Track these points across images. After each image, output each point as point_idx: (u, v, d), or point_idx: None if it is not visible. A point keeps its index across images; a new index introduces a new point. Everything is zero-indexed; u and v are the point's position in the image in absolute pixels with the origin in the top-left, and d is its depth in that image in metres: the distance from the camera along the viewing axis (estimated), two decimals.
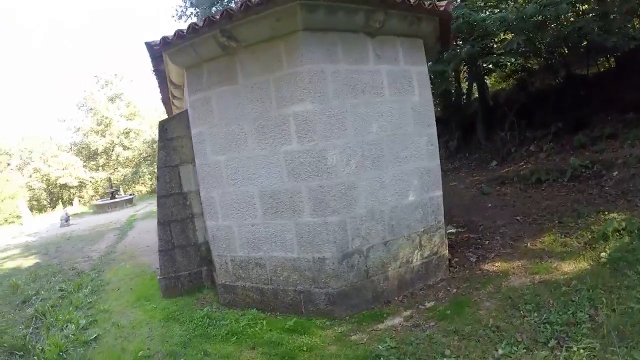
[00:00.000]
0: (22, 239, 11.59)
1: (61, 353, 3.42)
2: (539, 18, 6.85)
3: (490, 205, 6.79)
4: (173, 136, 4.51)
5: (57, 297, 4.94)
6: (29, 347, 3.56)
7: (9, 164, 23.70)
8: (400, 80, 3.82)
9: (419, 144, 3.92)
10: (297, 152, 3.44)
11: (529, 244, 4.46)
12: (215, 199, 3.96)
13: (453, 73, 10.61)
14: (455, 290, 3.73)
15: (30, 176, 23.00)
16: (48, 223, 14.95)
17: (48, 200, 23.86)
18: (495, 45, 9.16)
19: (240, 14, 3.28)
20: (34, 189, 22.91)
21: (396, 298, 3.75)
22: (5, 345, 3.61)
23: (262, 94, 3.54)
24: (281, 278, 3.70)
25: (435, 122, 4.12)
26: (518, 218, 5.57)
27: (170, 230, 4.39)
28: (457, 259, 4.45)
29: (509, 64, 9.71)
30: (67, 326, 3.95)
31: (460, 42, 8.44)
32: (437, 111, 16.38)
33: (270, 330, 3.41)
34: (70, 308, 4.43)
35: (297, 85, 3.37)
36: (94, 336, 3.73)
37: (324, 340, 3.15)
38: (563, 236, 4.37)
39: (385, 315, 3.47)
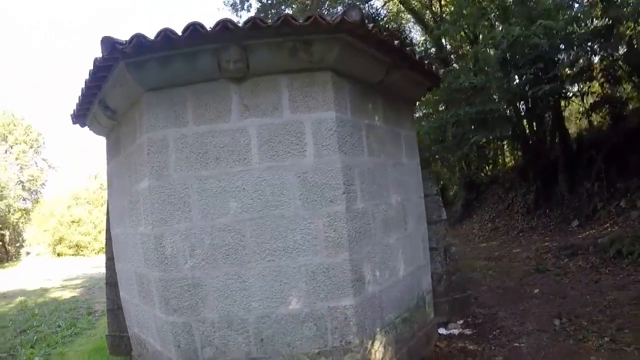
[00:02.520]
0: (99, 269, 11.96)
1: None
2: None
3: (537, 291, 4.91)
4: None
5: (49, 332, 5.61)
6: None
7: None
8: (280, 138, 2.70)
9: (310, 230, 2.69)
10: (146, 235, 2.91)
11: None
12: (119, 270, 3.89)
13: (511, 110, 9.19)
14: None
15: None
16: None
17: None
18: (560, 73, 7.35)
19: (105, 85, 3.03)
20: None
21: None
22: None
23: (128, 168, 3.20)
24: None
25: (352, 190, 2.76)
26: (556, 322, 3.83)
27: (116, 291, 4.60)
28: None
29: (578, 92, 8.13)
30: None
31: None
32: (517, 157, 12.59)
33: None
34: (43, 345, 5.04)
35: (141, 158, 2.84)
36: None
37: None
38: None
39: None
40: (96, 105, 3.33)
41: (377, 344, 2.95)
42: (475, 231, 11.82)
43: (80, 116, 3.72)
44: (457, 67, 9.83)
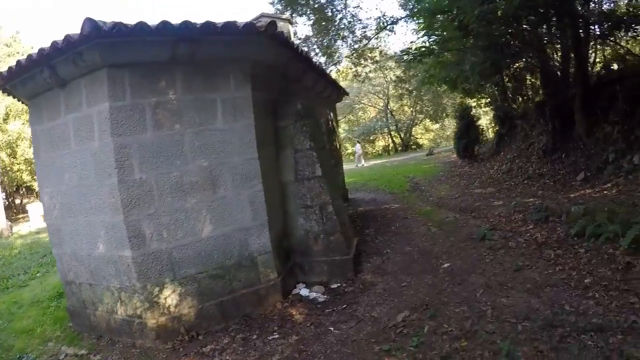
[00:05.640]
0: None
1: None
2: None
3: (446, 266, 4.29)
4: None
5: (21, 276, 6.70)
6: None
7: None
8: (83, 127, 3.59)
9: (101, 196, 3.55)
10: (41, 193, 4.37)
11: None
12: None
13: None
14: None
15: None
16: None
17: None
18: None
19: None
20: None
21: (102, 337, 3.90)
22: None
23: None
24: None
25: (127, 164, 3.42)
26: (399, 318, 3.39)
27: None
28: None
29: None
30: None
31: None
32: (540, 93, 10.42)
33: None
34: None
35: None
36: None
37: None
38: None
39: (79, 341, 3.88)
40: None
41: (167, 291, 3.63)
42: (491, 172, 10.03)
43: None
44: None
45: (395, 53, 14.25)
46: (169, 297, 3.65)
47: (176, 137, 3.63)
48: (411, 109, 31.58)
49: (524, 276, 3.72)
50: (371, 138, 34.48)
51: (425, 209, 7.11)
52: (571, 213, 4.65)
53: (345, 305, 3.82)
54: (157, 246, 3.59)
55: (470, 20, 5.75)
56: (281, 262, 4.23)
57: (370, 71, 19.88)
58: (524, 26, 7.06)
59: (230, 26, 3.46)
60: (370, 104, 33.93)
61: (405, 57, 10.41)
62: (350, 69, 17.35)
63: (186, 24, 3.32)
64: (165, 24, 3.26)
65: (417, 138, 33.98)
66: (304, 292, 4.26)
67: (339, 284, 4.29)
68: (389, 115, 31.80)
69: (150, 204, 3.55)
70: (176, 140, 3.63)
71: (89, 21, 3.07)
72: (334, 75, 16.26)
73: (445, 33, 7.77)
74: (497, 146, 12.25)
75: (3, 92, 4.26)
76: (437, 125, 32.81)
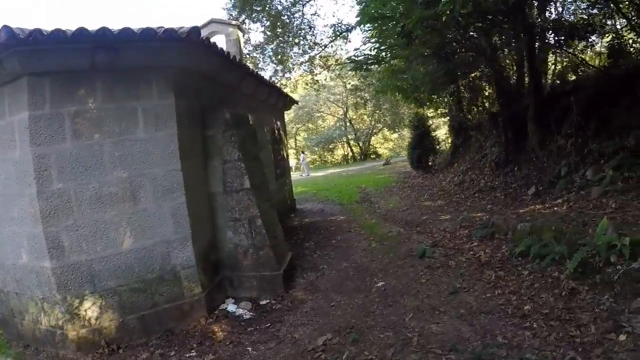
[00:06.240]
0: None
1: None
2: None
3: (380, 285, 4.13)
4: None
5: None
6: None
7: None
8: (6, 136, 3.57)
9: (23, 206, 3.52)
10: None
11: None
12: None
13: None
14: None
15: None
16: None
17: None
18: None
19: None
20: None
21: (29, 346, 3.84)
22: None
23: None
24: None
25: (46, 174, 3.40)
26: (319, 341, 3.24)
27: None
28: None
29: None
30: None
31: None
32: (495, 103, 10.19)
33: None
34: None
35: None
36: None
37: None
38: None
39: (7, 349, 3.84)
40: None
41: (87, 304, 3.58)
42: (444, 184, 9.90)
43: None
44: None
45: (345, 60, 14.14)
46: (89, 309, 3.60)
47: (95, 147, 3.58)
48: (370, 118, 31.83)
49: (459, 300, 3.54)
50: (330, 147, 34.87)
51: (370, 222, 7.00)
52: (517, 230, 4.46)
53: (269, 324, 3.72)
54: (76, 258, 3.54)
55: (413, 27, 5.54)
56: (207, 276, 4.13)
57: (325, 79, 19.89)
58: (472, 34, 6.88)
59: (149, 32, 3.40)
60: (329, 113, 34.28)
61: (352, 65, 10.21)
62: (303, 77, 17.29)
63: (103, 31, 3.28)
64: (81, 31, 3.23)
65: (376, 147, 34.18)
66: (231, 307, 4.15)
67: (267, 300, 4.18)
68: (347, 124, 32.17)
69: (69, 215, 3.51)
70: (95, 151, 3.58)
71: (5, 29, 3.04)
72: (286, 83, 16.24)
73: (389, 40, 7.59)
74: (451, 157, 12.16)
75: None
76: (396, 135, 32.98)
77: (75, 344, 3.52)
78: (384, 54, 8.62)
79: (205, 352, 3.40)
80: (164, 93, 3.78)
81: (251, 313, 3.98)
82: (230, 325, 3.78)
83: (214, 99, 4.83)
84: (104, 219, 3.62)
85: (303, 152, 26.05)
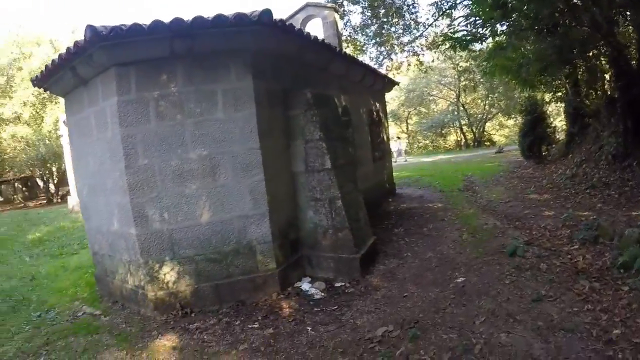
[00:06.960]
0: None
1: None
2: None
3: (460, 280, 3.88)
4: None
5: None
6: None
7: None
8: (100, 119, 4.05)
9: (114, 179, 3.99)
10: None
11: None
12: None
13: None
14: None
15: None
16: None
17: None
18: None
19: None
20: None
21: (117, 302, 4.39)
22: None
23: None
24: None
25: (133, 152, 3.79)
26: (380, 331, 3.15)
27: None
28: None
29: None
30: None
31: None
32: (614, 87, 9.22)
33: None
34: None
35: None
36: None
37: None
38: None
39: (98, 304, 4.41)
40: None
41: (166, 268, 3.98)
42: (555, 176, 8.95)
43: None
44: None
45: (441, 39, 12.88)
46: (168, 273, 3.99)
47: (177, 127, 3.88)
48: (483, 102, 29.11)
49: (540, 310, 3.13)
50: (443, 132, 32.59)
51: (468, 212, 6.62)
52: (624, 236, 3.90)
53: (336, 307, 3.76)
54: (158, 226, 3.93)
55: None
56: (283, 253, 4.26)
57: (432, 61, 18.66)
58: (578, 2, 6.04)
59: (220, 19, 3.58)
60: (441, 96, 31.96)
61: (450, 42, 9.47)
62: (408, 58, 16.31)
63: (177, 21, 3.52)
64: (156, 23, 3.50)
65: (491, 134, 31.53)
66: (305, 286, 4.24)
67: (342, 283, 4.20)
68: (460, 108, 29.58)
69: (153, 188, 3.89)
70: (177, 130, 3.88)
71: (89, 28, 3.42)
72: (391, 65, 15.51)
73: (481, 13, 6.96)
74: (566, 147, 10.75)
75: (45, 90, 4.92)
76: (511, 121, 29.79)
77: (154, 303, 3.93)
78: (481, 30, 7.88)
79: (267, 325, 3.54)
80: (242, 75, 3.94)
81: (323, 294, 4.04)
82: (299, 303, 3.90)
83: (299, 79, 4.88)
84: (184, 193, 3.94)
85: (399, 138, 25.32)
